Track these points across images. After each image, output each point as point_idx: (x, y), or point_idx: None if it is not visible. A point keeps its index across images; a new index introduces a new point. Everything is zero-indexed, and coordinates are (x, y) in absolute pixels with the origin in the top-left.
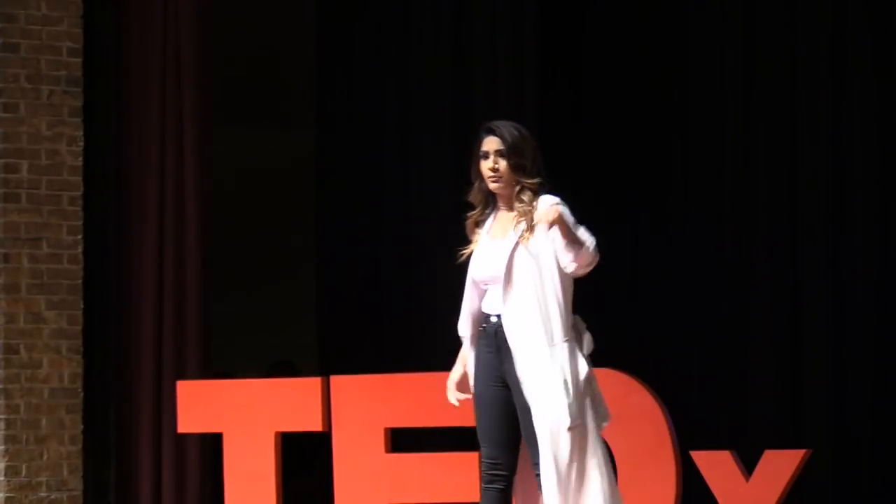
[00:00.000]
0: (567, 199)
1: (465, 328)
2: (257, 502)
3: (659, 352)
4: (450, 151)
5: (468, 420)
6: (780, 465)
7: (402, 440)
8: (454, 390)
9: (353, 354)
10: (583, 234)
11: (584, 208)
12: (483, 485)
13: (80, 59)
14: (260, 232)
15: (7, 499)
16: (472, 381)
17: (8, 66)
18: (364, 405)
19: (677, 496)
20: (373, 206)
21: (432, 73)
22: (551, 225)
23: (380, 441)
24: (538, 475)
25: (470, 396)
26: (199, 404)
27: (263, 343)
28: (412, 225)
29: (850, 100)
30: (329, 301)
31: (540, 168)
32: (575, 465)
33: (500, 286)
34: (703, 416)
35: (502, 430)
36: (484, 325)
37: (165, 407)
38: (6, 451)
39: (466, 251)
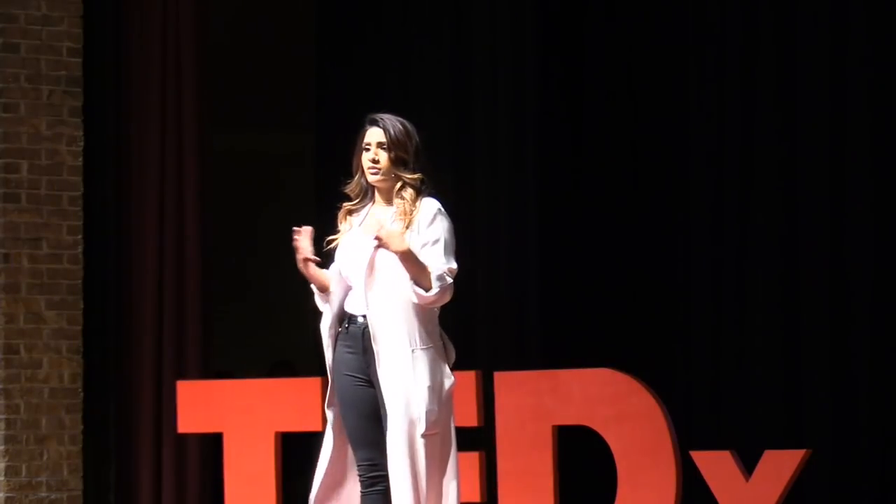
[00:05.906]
0: (565, 190)
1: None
2: (257, 502)
3: (659, 352)
4: (450, 151)
5: (469, 420)
6: (780, 465)
7: None
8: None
9: None
10: (438, 267)
11: (583, 202)
12: (363, 490)
13: (80, 59)
14: (259, 232)
15: (7, 499)
16: (331, 380)
17: (8, 66)
18: None
19: (677, 496)
20: None
21: (432, 74)
22: (396, 252)
23: None
24: (379, 478)
25: (312, 256)
26: (199, 404)
27: (263, 343)
28: None
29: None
30: None
31: (424, 166)
32: (428, 473)
33: (362, 285)
34: (703, 416)
35: (374, 430)
36: (348, 325)
37: (165, 407)
38: (6, 451)
39: (335, 240)
